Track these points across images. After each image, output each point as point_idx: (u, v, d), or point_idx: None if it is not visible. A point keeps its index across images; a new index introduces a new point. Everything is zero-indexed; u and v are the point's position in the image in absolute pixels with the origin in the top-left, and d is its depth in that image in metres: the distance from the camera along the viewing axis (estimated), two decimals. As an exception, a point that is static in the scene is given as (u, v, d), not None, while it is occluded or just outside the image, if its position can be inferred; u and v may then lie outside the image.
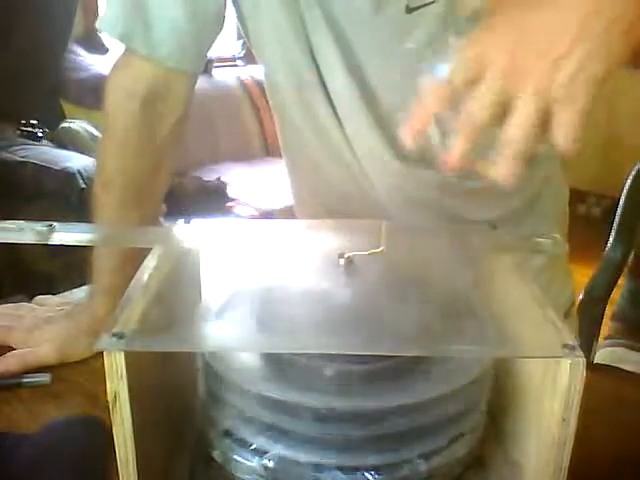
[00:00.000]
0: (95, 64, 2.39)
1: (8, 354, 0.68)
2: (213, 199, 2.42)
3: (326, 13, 0.67)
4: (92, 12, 2.54)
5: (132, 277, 0.43)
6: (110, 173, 0.72)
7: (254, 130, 3.07)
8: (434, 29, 0.63)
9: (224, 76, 3.09)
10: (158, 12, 0.66)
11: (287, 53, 0.70)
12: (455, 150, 0.43)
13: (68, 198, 1.79)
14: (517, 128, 0.41)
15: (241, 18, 0.73)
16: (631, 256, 1.24)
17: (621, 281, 1.27)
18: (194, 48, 0.70)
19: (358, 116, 0.72)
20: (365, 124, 0.72)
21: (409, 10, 0.62)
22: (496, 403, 0.47)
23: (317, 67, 0.70)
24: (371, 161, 0.74)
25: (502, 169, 0.42)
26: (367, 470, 0.39)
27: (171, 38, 0.67)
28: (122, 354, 0.36)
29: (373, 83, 0.70)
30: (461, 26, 0.62)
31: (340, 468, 0.39)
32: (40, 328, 0.71)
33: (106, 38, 2.51)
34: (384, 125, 0.71)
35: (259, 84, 3.12)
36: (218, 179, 2.51)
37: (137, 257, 0.46)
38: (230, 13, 0.73)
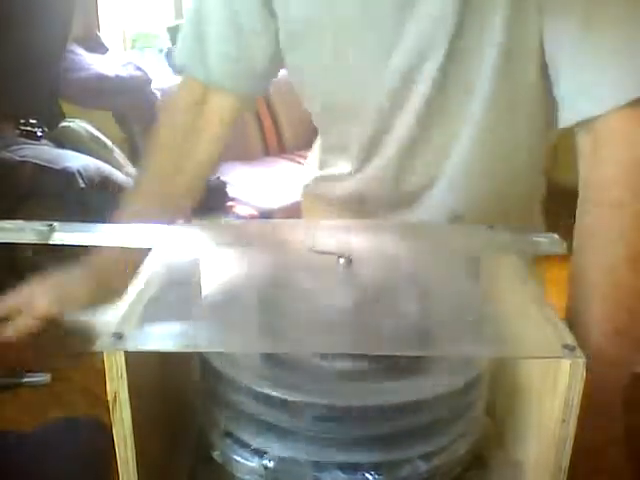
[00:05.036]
0: (95, 64, 2.38)
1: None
2: (213, 199, 2.41)
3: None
4: (92, 12, 2.54)
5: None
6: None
7: (254, 130, 3.07)
8: (430, 89, 0.66)
9: (224, 76, 3.08)
10: (214, 46, 0.76)
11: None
12: None
13: (68, 198, 1.79)
14: None
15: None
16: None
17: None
18: (243, 76, 0.78)
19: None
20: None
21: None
22: (496, 403, 0.47)
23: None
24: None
25: None
26: (367, 470, 0.39)
27: (222, 66, 0.76)
28: (122, 354, 0.36)
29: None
30: (460, 86, 0.65)
31: (340, 468, 0.39)
32: (32, 287, 0.69)
33: (106, 38, 2.52)
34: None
35: (259, 84, 3.12)
36: (218, 179, 2.51)
37: None
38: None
